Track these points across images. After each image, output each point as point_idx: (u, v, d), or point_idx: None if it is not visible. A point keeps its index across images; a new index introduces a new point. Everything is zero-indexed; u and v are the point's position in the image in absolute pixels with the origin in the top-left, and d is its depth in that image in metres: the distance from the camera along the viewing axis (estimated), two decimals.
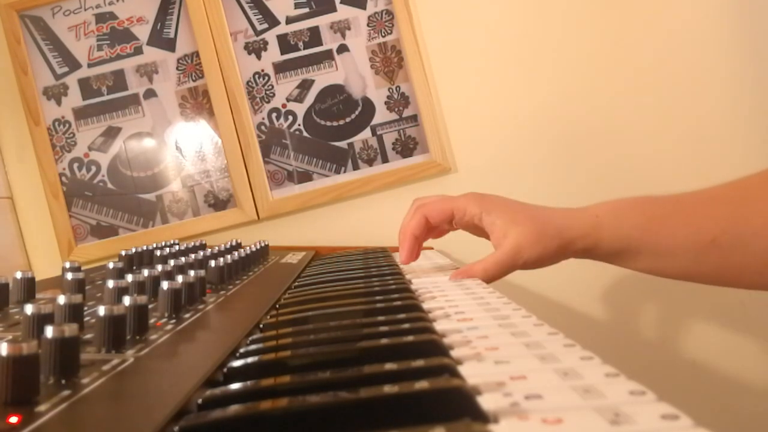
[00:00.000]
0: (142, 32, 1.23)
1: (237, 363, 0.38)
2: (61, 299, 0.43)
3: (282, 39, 1.22)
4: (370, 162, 1.20)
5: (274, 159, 1.21)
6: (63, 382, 0.32)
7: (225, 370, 0.37)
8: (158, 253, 0.81)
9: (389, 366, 0.33)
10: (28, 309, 0.39)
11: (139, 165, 1.23)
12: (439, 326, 0.43)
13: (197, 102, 1.22)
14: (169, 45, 1.23)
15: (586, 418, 0.25)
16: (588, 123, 1.18)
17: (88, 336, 0.41)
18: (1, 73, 1.22)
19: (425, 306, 0.50)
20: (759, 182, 0.58)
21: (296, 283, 0.72)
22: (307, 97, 1.22)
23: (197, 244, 0.95)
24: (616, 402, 0.26)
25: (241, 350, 0.41)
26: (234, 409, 0.29)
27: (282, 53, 1.22)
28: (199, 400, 0.31)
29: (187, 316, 0.49)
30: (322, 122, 1.21)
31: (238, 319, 0.51)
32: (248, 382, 0.34)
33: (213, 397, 0.32)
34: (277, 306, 0.58)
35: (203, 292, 0.57)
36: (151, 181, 1.23)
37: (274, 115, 1.22)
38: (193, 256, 0.74)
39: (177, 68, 1.23)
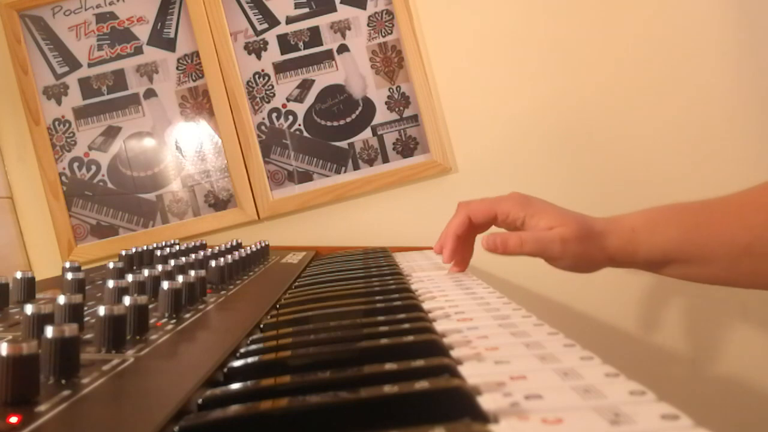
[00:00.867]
0: (143, 32, 1.23)
1: (237, 363, 0.38)
2: (61, 299, 0.43)
3: (282, 39, 1.22)
4: (370, 162, 1.20)
5: (274, 159, 1.21)
6: (63, 382, 0.32)
7: (225, 370, 0.37)
8: (158, 253, 0.81)
9: (389, 366, 0.33)
10: (28, 309, 0.39)
11: (139, 165, 1.23)
12: (439, 326, 0.43)
13: (197, 102, 1.22)
14: (169, 45, 1.23)
15: (586, 418, 0.25)
16: (588, 123, 1.18)
17: (88, 336, 0.41)
18: (1, 73, 1.23)
19: (425, 306, 0.50)
20: None
21: (296, 283, 0.72)
22: (308, 97, 1.21)
23: (197, 244, 0.95)
24: (616, 402, 0.26)
25: (242, 350, 0.41)
26: (234, 409, 0.29)
27: (282, 53, 1.22)
28: (200, 400, 0.32)
29: (187, 316, 0.49)
30: (323, 122, 1.21)
31: (239, 319, 0.51)
32: (248, 382, 0.34)
33: (213, 397, 0.32)
34: (278, 306, 0.58)
35: (203, 292, 0.57)
36: (151, 180, 1.23)
37: (274, 115, 1.22)
38: (193, 256, 0.74)
39: (177, 68, 1.23)
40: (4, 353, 0.28)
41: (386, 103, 1.20)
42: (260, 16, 1.22)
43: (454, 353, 0.36)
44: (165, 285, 0.49)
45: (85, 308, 0.50)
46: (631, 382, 0.29)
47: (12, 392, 0.28)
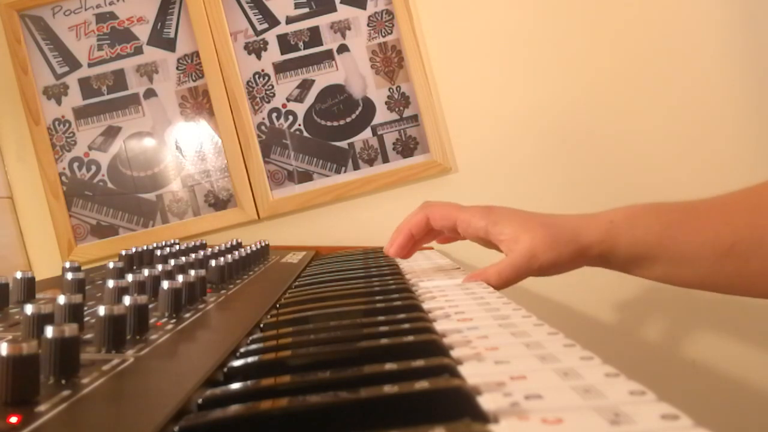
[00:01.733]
0: (143, 32, 1.23)
1: (237, 363, 0.38)
2: (61, 299, 0.43)
3: (282, 39, 1.22)
4: (370, 162, 1.20)
5: (274, 159, 1.21)
6: (63, 382, 0.32)
7: (225, 369, 0.37)
8: (158, 252, 0.81)
9: (389, 366, 0.33)
10: (28, 309, 0.39)
11: (139, 165, 1.23)
12: (439, 326, 0.43)
13: (197, 102, 1.22)
14: (169, 45, 1.23)
15: (586, 418, 0.25)
16: (589, 123, 1.18)
17: (88, 336, 0.41)
18: (1, 73, 1.23)
19: (425, 306, 0.50)
20: None
21: (296, 283, 0.72)
22: (308, 97, 1.22)
23: (197, 243, 0.95)
24: (616, 402, 0.26)
25: (242, 350, 0.41)
26: (234, 409, 0.29)
27: (282, 53, 1.22)
28: (200, 400, 0.31)
29: (187, 315, 0.49)
30: (323, 122, 1.21)
31: (239, 318, 0.51)
32: (248, 382, 0.34)
33: (213, 397, 0.32)
34: (278, 306, 0.58)
35: (203, 291, 0.57)
36: (151, 180, 1.23)
37: (274, 115, 1.22)
38: (193, 255, 0.74)
39: (177, 68, 1.23)
40: (4, 353, 0.28)
41: (386, 103, 1.20)
42: (260, 16, 1.22)
43: (454, 353, 0.36)
44: (165, 285, 0.49)
45: (85, 308, 0.50)
46: (631, 382, 0.29)
47: (12, 392, 0.28)
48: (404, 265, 0.82)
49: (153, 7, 1.23)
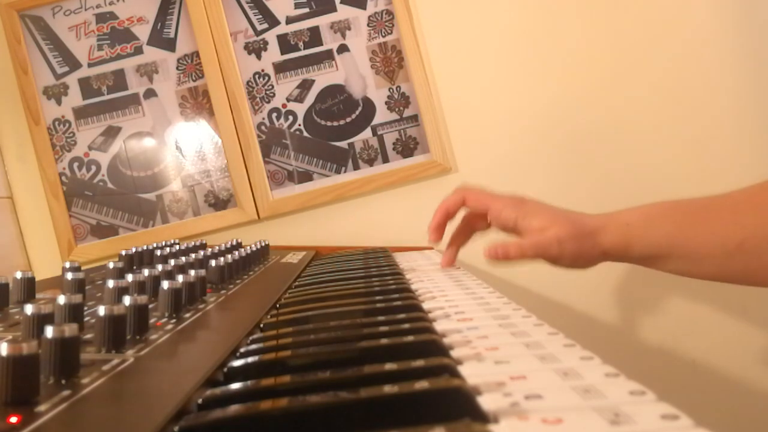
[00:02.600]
0: (143, 32, 1.23)
1: (237, 363, 0.38)
2: (61, 299, 0.43)
3: (282, 39, 1.22)
4: (370, 162, 1.20)
5: (274, 159, 1.21)
6: (63, 382, 0.32)
7: (225, 369, 0.37)
8: (158, 252, 0.81)
9: (389, 366, 0.33)
10: (28, 309, 0.39)
11: (139, 165, 1.23)
12: (439, 326, 0.43)
13: (197, 102, 1.22)
14: (169, 45, 1.23)
15: (586, 418, 0.25)
16: (589, 123, 1.18)
17: (88, 336, 0.41)
18: (1, 73, 1.22)
19: (425, 306, 0.50)
20: None
21: (296, 283, 0.72)
22: (308, 97, 1.21)
23: (197, 243, 0.95)
24: (616, 402, 0.26)
25: (242, 350, 0.41)
26: (234, 409, 0.29)
27: (282, 53, 1.22)
28: (200, 400, 0.31)
29: (187, 315, 0.49)
30: (323, 122, 1.21)
31: (239, 318, 0.51)
32: (248, 382, 0.34)
33: (213, 397, 0.32)
34: (278, 306, 0.58)
35: (203, 291, 0.57)
36: (151, 180, 1.23)
37: (274, 115, 1.22)
38: (193, 255, 0.74)
39: (177, 68, 1.23)
40: (4, 353, 0.28)
41: (386, 103, 1.20)
42: (260, 16, 1.22)
43: (454, 353, 0.36)
44: (165, 285, 0.49)
45: (85, 308, 0.50)
46: (631, 382, 0.29)
47: (12, 392, 0.28)
48: (404, 265, 0.82)
49: (153, 7, 1.23)
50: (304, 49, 1.22)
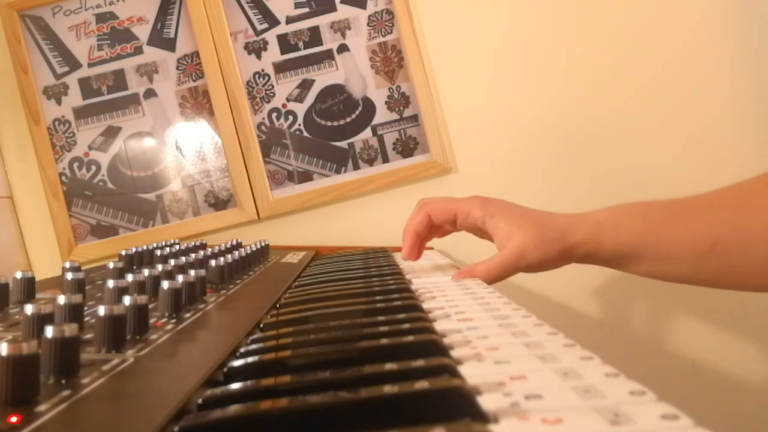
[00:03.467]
0: (143, 32, 1.23)
1: (237, 363, 0.38)
2: (61, 299, 0.43)
3: (282, 39, 1.22)
4: (370, 162, 1.20)
5: (274, 159, 1.21)
6: (63, 382, 0.32)
7: (225, 369, 0.37)
8: (158, 252, 0.81)
9: (389, 366, 0.33)
10: (28, 309, 0.39)
11: (139, 165, 1.23)
12: (439, 326, 0.43)
13: (197, 102, 1.22)
14: (169, 45, 1.23)
15: (586, 418, 0.25)
16: (589, 123, 1.18)
17: (88, 336, 0.41)
18: (1, 73, 1.22)
19: (425, 306, 0.50)
20: (759, 187, 0.58)
21: (296, 283, 0.72)
22: (308, 97, 1.22)
23: (197, 243, 0.95)
24: (616, 402, 0.26)
25: (242, 350, 0.41)
26: (234, 409, 0.29)
27: (282, 53, 1.22)
28: (200, 400, 0.31)
29: (187, 315, 0.49)
30: (323, 122, 1.21)
31: (239, 318, 0.51)
32: (248, 382, 0.34)
33: (213, 397, 0.32)
34: (278, 306, 0.58)
35: (203, 291, 0.57)
36: (151, 180, 1.23)
37: (274, 115, 1.22)
38: (193, 255, 0.74)
39: (177, 68, 1.23)
40: (4, 353, 0.28)
41: (386, 102, 1.20)
42: (260, 16, 1.22)
43: (454, 353, 0.36)
44: (165, 285, 0.49)
45: (85, 308, 0.50)
46: (631, 382, 0.29)
47: (12, 392, 0.28)
48: (404, 265, 0.82)
49: (153, 7, 1.23)
50: (304, 49, 1.22)
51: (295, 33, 1.22)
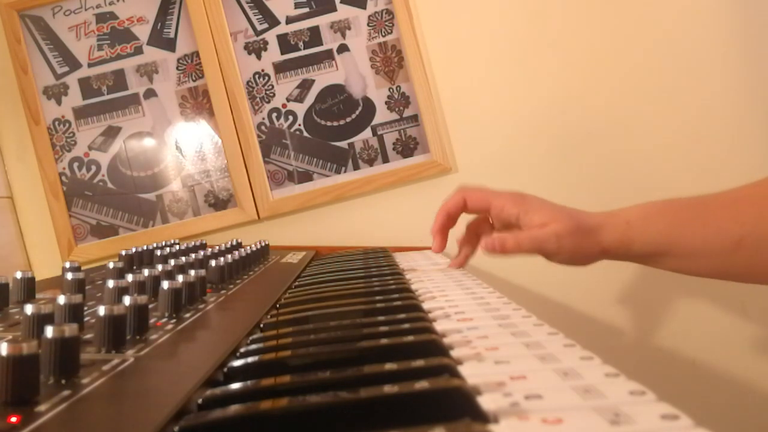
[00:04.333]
0: (143, 32, 1.23)
1: (237, 363, 0.38)
2: (61, 299, 0.43)
3: (282, 39, 1.22)
4: (370, 162, 1.20)
5: (274, 159, 1.21)
6: (63, 382, 0.32)
7: (225, 369, 0.37)
8: (158, 252, 0.81)
9: (389, 366, 0.33)
10: (28, 309, 0.39)
11: (139, 165, 1.23)
12: (439, 326, 0.43)
13: (197, 102, 1.22)
14: (169, 45, 1.23)
15: (586, 418, 0.25)
16: (589, 123, 1.18)
17: (88, 336, 0.41)
18: (2, 73, 1.22)
19: (425, 306, 0.50)
20: None
21: (296, 283, 0.72)
22: (308, 97, 1.21)
23: (197, 243, 0.95)
24: (616, 402, 0.26)
25: (242, 350, 0.41)
26: (234, 408, 0.29)
27: (282, 53, 1.22)
28: (200, 400, 0.31)
29: (187, 315, 0.49)
30: (323, 122, 1.21)
31: (239, 318, 0.51)
32: (248, 382, 0.34)
33: (213, 397, 0.32)
34: (278, 306, 0.58)
35: (203, 291, 0.57)
36: (151, 180, 1.23)
37: (274, 115, 1.22)
38: (193, 255, 0.74)
39: (177, 68, 1.23)
40: (4, 353, 0.28)
41: (386, 103, 1.20)
42: (260, 16, 1.22)
43: (454, 353, 0.36)
44: (165, 285, 0.49)
45: (85, 308, 0.50)
46: (631, 382, 0.29)
47: (12, 392, 0.28)
48: (404, 265, 0.82)
49: (153, 7, 1.23)
50: (304, 49, 1.22)
51: (295, 33, 1.22)
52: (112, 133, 1.23)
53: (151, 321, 0.46)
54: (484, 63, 1.20)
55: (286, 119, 1.21)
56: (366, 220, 1.19)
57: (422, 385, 0.29)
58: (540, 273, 1.11)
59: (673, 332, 1.15)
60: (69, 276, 0.57)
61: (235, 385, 0.33)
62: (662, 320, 1.16)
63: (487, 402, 0.28)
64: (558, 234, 0.63)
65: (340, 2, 1.21)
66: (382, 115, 1.20)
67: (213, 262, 0.66)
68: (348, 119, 1.21)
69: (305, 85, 1.22)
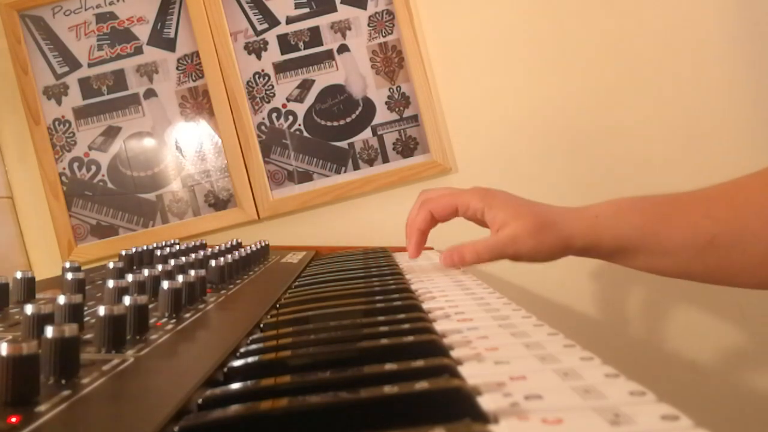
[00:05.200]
0: (143, 32, 1.23)
1: (237, 363, 0.38)
2: (61, 299, 0.43)
3: (282, 39, 1.22)
4: (370, 162, 1.20)
5: (274, 159, 1.21)
6: (63, 382, 0.32)
7: (225, 369, 0.37)
8: (158, 252, 0.81)
9: (389, 366, 0.33)
10: (28, 309, 0.39)
11: (139, 165, 1.23)
12: (439, 326, 0.43)
13: (197, 102, 1.22)
14: (169, 45, 1.23)
15: (586, 418, 0.25)
16: (589, 123, 1.18)
17: (88, 336, 0.41)
18: (2, 73, 1.23)
19: (425, 306, 0.50)
20: (757, 182, 0.58)
21: (296, 283, 0.72)
22: (308, 97, 1.22)
23: (197, 243, 0.95)
24: (616, 402, 0.26)
25: (242, 350, 0.41)
26: (234, 409, 0.29)
27: (282, 53, 1.22)
28: (200, 400, 0.31)
29: (187, 315, 0.49)
30: (323, 122, 1.21)
31: (239, 318, 0.51)
32: (248, 382, 0.34)
33: (213, 397, 0.32)
34: (278, 306, 0.58)
35: (203, 291, 0.57)
36: (151, 180, 1.23)
37: (274, 115, 1.22)
38: (193, 255, 0.74)
39: (177, 68, 1.23)
40: (4, 353, 0.28)
41: (386, 103, 1.20)
42: (260, 16, 1.22)
43: (454, 353, 0.36)
44: (165, 285, 0.49)
45: (85, 308, 0.50)
46: (631, 382, 0.29)
47: (12, 392, 0.28)
48: (404, 265, 0.81)
49: (153, 7, 1.23)
50: (305, 49, 1.22)
51: (295, 33, 1.22)
52: (112, 133, 1.23)
53: (151, 321, 0.46)
54: (484, 63, 1.20)
55: (286, 119, 1.21)
56: (366, 220, 1.19)
57: (422, 385, 0.29)
58: (540, 273, 1.11)
59: (673, 333, 1.15)
60: (69, 276, 0.57)
61: (235, 385, 0.33)
62: (662, 321, 1.16)
63: (487, 402, 0.28)
64: (516, 237, 0.63)
65: (341, 2, 1.21)
66: (382, 115, 1.20)
67: (213, 262, 0.66)
68: (348, 119, 1.21)
69: (305, 86, 1.22)
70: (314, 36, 1.22)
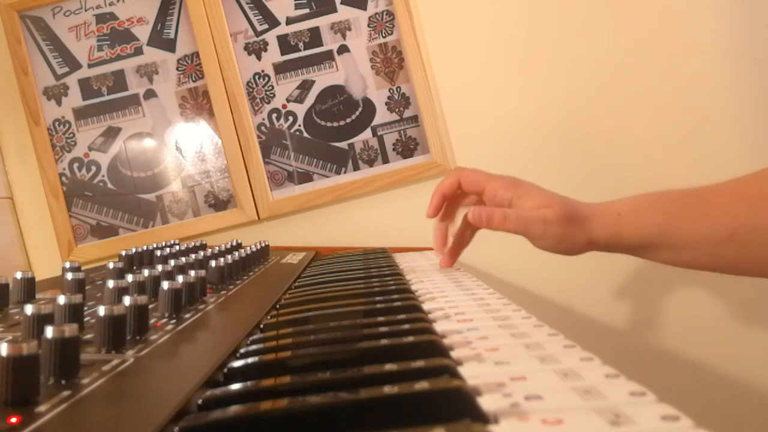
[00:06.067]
0: (143, 33, 1.23)
1: (237, 363, 0.38)
2: (61, 299, 0.43)
3: (282, 39, 1.22)
4: (370, 162, 1.20)
5: (274, 159, 1.21)
6: (63, 382, 0.32)
7: (225, 370, 0.37)
8: (158, 253, 0.81)
9: (389, 366, 0.33)
10: (28, 309, 0.39)
11: (139, 165, 1.23)
12: (439, 327, 0.43)
13: (197, 102, 1.22)
14: (169, 45, 1.23)
15: (586, 418, 0.25)
16: (589, 123, 1.18)
17: (88, 336, 0.41)
18: (2, 73, 1.23)
19: (425, 307, 0.50)
20: None
21: (296, 284, 0.72)
22: (308, 98, 1.21)
23: (197, 244, 0.95)
24: (617, 403, 0.26)
25: (242, 350, 0.41)
26: (234, 409, 0.29)
27: (282, 54, 1.22)
28: (200, 401, 0.31)
29: (187, 316, 0.49)
30: (323, 123, 1.21)
31: (239, 319, 0.51)
32: (248, 383, 0.34)
33: (213, 398, 0.32)
34: (278, 306, 0.58)
35: (203, 292, 0.57)
36: (151, 181, 1.23)
37: (274, 115, 1.22)
38: (193, 256, 0.74)
39: (177, 69, 1.23)
40: (4, 353, 0.28)
41: (386, 103, 1.20)
42: (260, 17, 1.22)
43: (454, 354, 0.36)
44: (165, 285, 0.49)
45: (85, 308, 0.50)
46: (631, 382, 0.29)
47: (12, 392, 0.28)
48: (404, 265, 0.82)
49: (153, 8, 1.23)
50: (305, 49, 1.22)
51: (295, 34, 1.22)
52: (112, 133, 1.23)
53: (151, 321, 0.46)
54: (484, 64, 1.20)
55: (286, 120, 1.21)
56: (366, 220, 1.19)
57: (422, 385, 0.29)
58: (540, 274, 1.11)
59: (673, 333, 1.15)
60: (69, 276, 0.57)
61: (235, 386, 0.33)
62: (662, 321, 1.16)
63: (487, 403, 0.28)
64: (546, 219, 0.63)
65: (341, 3, 1.21)
66: (382, 115, 1.20)
67: (213, 263, 0.66)
68: (348, 120, 1.21)
69: (305, 86, 1.22)
70: (314, 36, 1.22)
